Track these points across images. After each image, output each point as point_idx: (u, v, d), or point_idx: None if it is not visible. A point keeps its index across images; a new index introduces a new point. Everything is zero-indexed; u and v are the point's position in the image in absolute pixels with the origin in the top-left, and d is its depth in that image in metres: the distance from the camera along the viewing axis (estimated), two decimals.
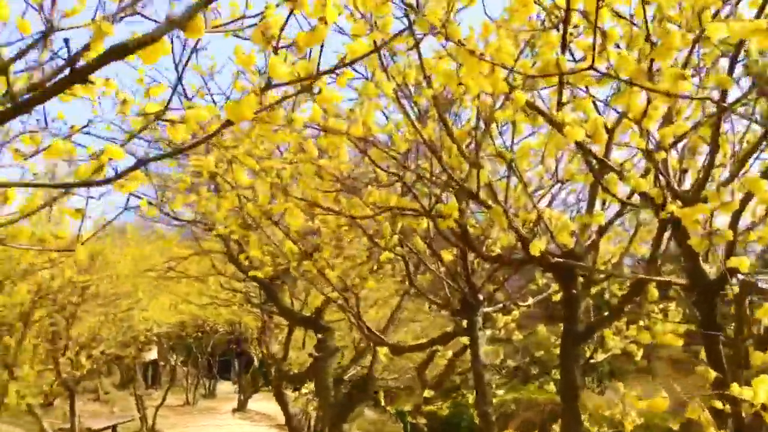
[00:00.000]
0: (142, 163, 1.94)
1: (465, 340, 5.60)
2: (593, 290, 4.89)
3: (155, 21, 1.70)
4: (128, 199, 2.73)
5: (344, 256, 5.20)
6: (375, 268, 5.19)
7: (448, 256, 4.75)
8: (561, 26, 2.50)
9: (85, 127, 2.27)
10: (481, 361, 4.74)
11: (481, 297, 4.90)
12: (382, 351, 5.85)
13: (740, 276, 3.14)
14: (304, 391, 12.46)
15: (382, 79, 3.52)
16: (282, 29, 1.76)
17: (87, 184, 1.81)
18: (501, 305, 5.63)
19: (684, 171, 3.57)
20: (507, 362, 8.35)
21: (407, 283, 6.69)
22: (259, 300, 8.27)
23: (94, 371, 19.52)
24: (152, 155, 1.94)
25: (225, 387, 26.73)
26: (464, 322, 5.15)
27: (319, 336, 7.14)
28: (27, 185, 2.10)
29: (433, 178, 3.99)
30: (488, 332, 5.33)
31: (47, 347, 10.08)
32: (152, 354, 22.82)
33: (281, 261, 6.07)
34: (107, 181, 1.84)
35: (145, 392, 21.81)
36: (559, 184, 4.97)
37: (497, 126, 3.84)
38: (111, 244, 10.00)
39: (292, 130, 3.90)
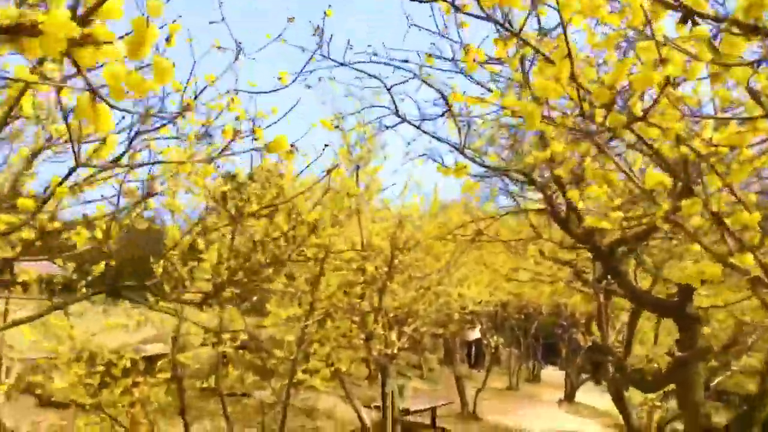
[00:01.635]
0: None
1: None
2: None
3: None
4: None
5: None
6: None
7: None
8: None
9: None
10: None
11: None
12: None
13: None
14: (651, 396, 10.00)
15: None
16: None
17: None
18: None
19: None
20: None
21: None
22: (594, 275, 6.26)
23: (417, 347, 19.34)
24: None
25: (550, 372, 24.92)
26: None
27: (683, 329, 4.90)
28: None
29: None
30: None
31: (355, 321, 9.38)
32: (475, 333, 22.08)
33: (631, 214, 4.03)
34: None
35: (467, 372, 21.17)
36: None
37: None
38: (418, 210, 8.83)
39: None
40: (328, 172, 3.63)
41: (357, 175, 9.09)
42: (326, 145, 3.11)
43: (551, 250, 6.26)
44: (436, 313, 11.13)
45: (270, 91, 3.42)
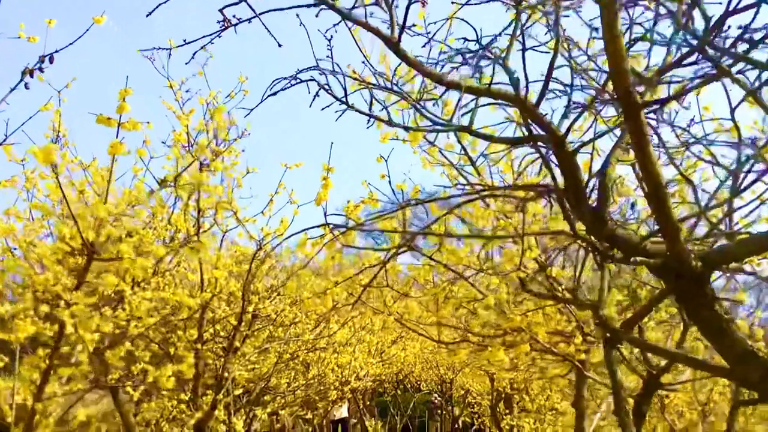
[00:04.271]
0: None
1: None
2: None
3: None
4: None
5: None
6: None
7: None
8: None
9: None
10: None
11: None
12: None
13: None
14: None
15: None
16: None
17: None
18: None
19: None
20: None
21: None
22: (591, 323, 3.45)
23: (274, 426, 15.76)
24: None
25: None
26: None
27: None
28: None
29: None
30: None
31: (183, 400, 6.09)
32: (342, 412, 18.77)
33: None
34: None
35: None
36: None
37: None
38: (286, 227, 5.85)
39: None
40: None
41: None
42: None
43: (529, 274, 3.44)
44: (306, 389, 7.99)
45: None
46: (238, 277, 6.40)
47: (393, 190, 3.11)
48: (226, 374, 6.24)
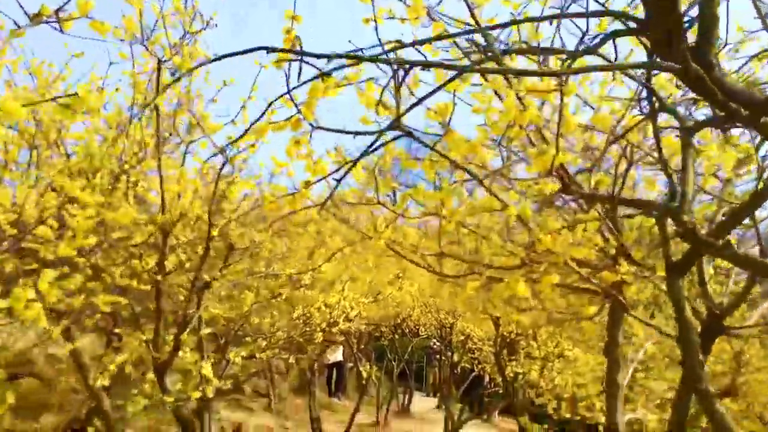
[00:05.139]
0: None
1: None
2: None
3: None
4: None
5: None
6: None
7: None
8: None
9: None
10: None
11: None
12: None
13: None
14: None
15: None
16: None
17: None
18: None
19: None
20: None
21: None
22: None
23: (264, 368, 15.04)
24: None
25: (417, 401, 21.19)
26: None
27: None
28: None
29: None
30: None
31: (146, 340, 5.21)
32: (336, 355, 18.05)
33: None
34: None
35: (327, 401, 17.19)
36: None
37: None
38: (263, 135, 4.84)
39: None
40: None
41: (158, 79, 4.98)
42: None
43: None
44: (291, 329, 7.11)
45: None
46: (207, 201, 5.46)
47: (380, 41, 2.11)
48: (191, 311, 5.35)
